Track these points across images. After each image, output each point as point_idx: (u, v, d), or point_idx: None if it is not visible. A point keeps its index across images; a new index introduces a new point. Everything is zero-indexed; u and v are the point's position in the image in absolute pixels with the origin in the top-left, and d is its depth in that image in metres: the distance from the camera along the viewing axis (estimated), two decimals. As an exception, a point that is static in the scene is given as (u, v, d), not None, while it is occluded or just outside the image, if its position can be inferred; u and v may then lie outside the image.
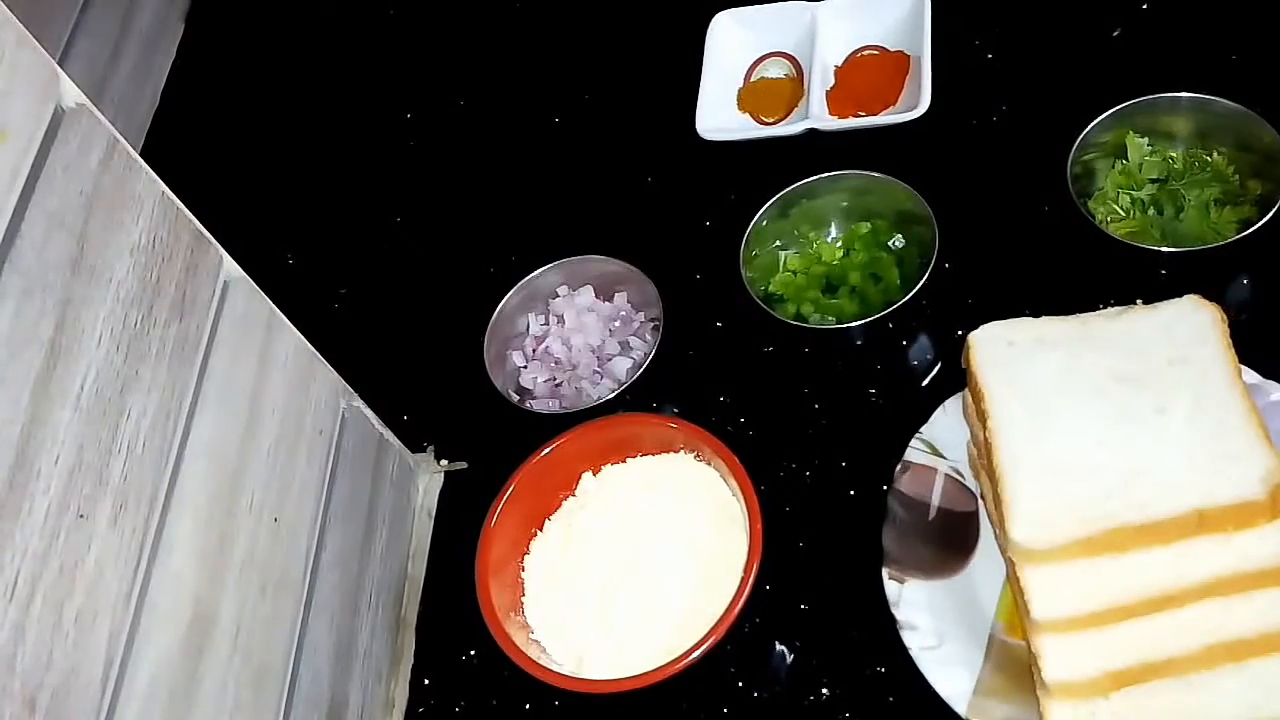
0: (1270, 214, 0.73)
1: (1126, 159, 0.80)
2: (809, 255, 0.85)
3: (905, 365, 0.80)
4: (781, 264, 0.85)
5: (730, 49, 0.97)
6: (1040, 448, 0.65)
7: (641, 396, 0.82)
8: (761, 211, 0.83)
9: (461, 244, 0.97)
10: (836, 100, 0.93)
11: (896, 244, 0.83)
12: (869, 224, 0.84)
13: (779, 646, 0.73)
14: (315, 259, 0.99)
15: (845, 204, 0.84)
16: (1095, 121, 0.79)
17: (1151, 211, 0.79)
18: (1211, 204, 0.77)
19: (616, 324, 0.87)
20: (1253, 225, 0.74)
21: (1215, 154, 0.79)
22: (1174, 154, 0.80)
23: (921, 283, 0.78)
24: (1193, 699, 0.60)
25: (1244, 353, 0.66)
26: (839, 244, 0.85)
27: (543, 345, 0.87)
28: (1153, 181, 0.79)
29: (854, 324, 0.78)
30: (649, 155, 0.96)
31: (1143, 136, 0.80)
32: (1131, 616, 0.61)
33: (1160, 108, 0.80)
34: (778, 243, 0.85)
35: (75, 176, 0.55)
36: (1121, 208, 0.79)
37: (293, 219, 1.03)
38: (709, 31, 0.97)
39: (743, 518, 0.72)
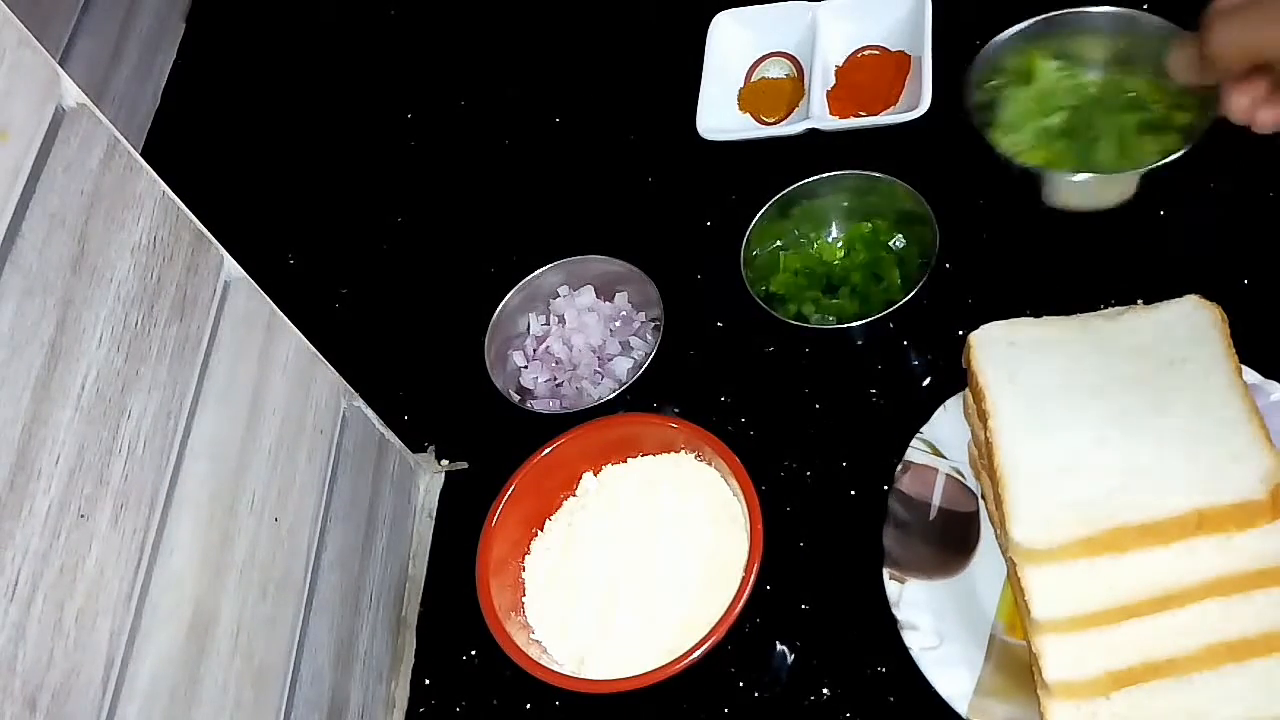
0: (1190, 143, 0.67)
1: (1034, 85, 0.75)
2: (810, 255, 0.85)
3: (906, 365, 0.80)
4: (782, 264, 0.85)
5: (730, 49, 0.97)
6: (1041, 448, 0.65)
7: (642, 396, 0.82)
8: (762, 211, 0.83)
9: (462, 244, 0.97)
10: (837, 100, 0.93)
11: (897, 244, 0.83)
12: (869, 224, 0.84)
13: (779, 646, 0.73)
14: (316, 259, 0.99)
15: (846, 204, 0.84)
16: (998, 41, 0.73)
17: (1063, 141, 0.73)
18: (1132, 133, 0.72)
19: (617, 324, 0.87)
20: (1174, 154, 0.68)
21: (1138, 78, 0.73)
22: (1090, 78, 0.74)
23: (922, 283, 0.78)
24: (1194, 699, 0.60)
25: (1244, 353, 0.66)
26: (840, 244, 0.85)
27: (543, 345, 0.87)
28: (1066, 109, 0.74)
29: (855, 324, 0.78)
30: (649, 155, 0.96)
31: (1055, 60, 0.74)
32: (1132, 616, 0.61)
33: (1074, 25, 0.73)
34: (778, 243, 0.85)
35: (76, 176, 0.55)
36: (1028, 137, 0.74)
37: (293, 219, 1.03)
38: (709, 31, 0.97)
39: (743, 518, 0.72)
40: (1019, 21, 0.75)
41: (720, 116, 0.94)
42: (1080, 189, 0.72)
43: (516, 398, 0.84)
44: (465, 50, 1.08)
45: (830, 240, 0.85)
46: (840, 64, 0.95)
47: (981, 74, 0.73)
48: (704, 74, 0.96)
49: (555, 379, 0.85)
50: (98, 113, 0.57)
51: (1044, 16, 0.72)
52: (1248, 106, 0.56)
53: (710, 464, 0.76)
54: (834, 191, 0.84)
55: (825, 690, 0.70)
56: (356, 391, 0.79)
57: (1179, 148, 0.69)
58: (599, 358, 0.85)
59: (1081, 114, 0.73)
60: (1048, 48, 0.74)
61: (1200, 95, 0.66)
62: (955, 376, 0.73)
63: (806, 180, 0.83)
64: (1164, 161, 0.67)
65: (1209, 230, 0.79)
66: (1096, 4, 0.72)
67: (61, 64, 0.56)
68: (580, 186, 0.97)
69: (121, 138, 0.58)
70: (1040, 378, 0.68)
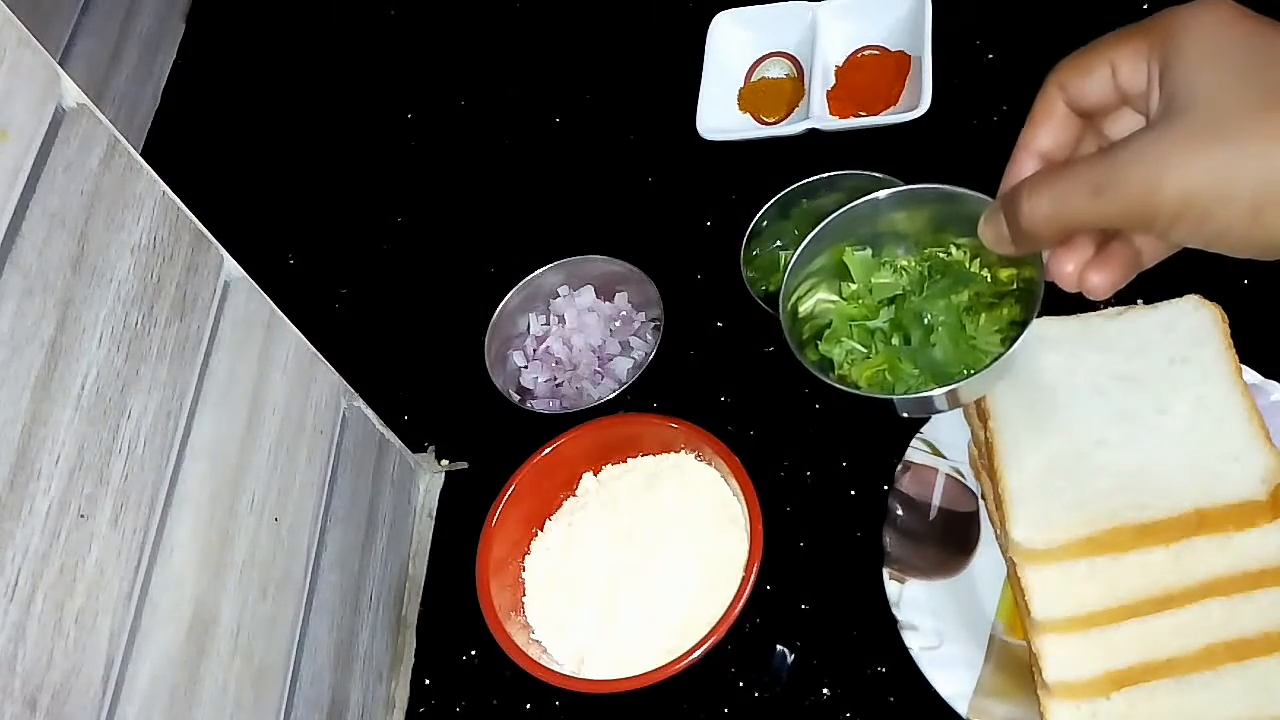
0: (1035, 307, 0.55)
1: (849, 284, 0.63)
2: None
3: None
4: (782, 264, 0.85)
5: (730, 49, 0.97)
6: (1041, 448, 0.65)
7: (642, 396, 0.82)
8: (762, 212, 0.83)
9: (462, 244, 0.97)
10: (837, 100, 0.93)
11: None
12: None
13: (779, 646, 0.73)
14: (316, 259, 0.99)
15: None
16: (800, 247, 0.61)
17: (896, 340, 0.61)
18: (963, 314, 0.60)
19: (617, 324, 0.87)
20: (1021, 323, 0.57)
21: (953, 248, 0.61)
22: (906, 261, 0.62)
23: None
24: (1194, 699, 0.60)
25: (1244, 353, 0.66)
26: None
27: (543, 345, 0.87)
28: (889, 303, 0.62)
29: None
30: (649, 155, 0.96)
31: (862, 248, 0.62)
32: (1132, 616, 0.61)
33: (878, 209, 0.61)
34: (778, 243, 0.85)
35: (76, 176, 0.55)
36: (859, 343, 0.62)
37: (293, 219, 1.03)
38: (709, 31, 0.97)
39: (743, 518, 0.72)
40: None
41: (720, 116, 0.94)
42: (940, 401, 0.61)
43: (516, 398, 0.84)
44: (465, 50, 1.08)
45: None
46: (840, 64, 0.95)
47: (791, 285, 0.62)
48: (704, 74, 0.96)
49: (555, 379, 0.85)
50: (98, 113, 0.57)
51: (839, 213, 0.62)
52: (1074, 274, 0.50)
53: (710, 464, 0.76)
54: (834, 191, 0.84)
55: (825, 690, 0.70)
56: (356, 391, 0.79)
57: (1020, 315, 0.58)
58: (599, 358, 0.85)
59: (905, 306, 0.62)
60: (855, 238, 0.63)
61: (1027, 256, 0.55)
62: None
63: (807, 180, 0.83)
64: (1013, 349, 0.57)
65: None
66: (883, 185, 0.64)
67: (61, 64, 0.56)
68: (580, 186, 0.97)
69: (121, 138, 0.58)
70: (1040, 378, 0.68)
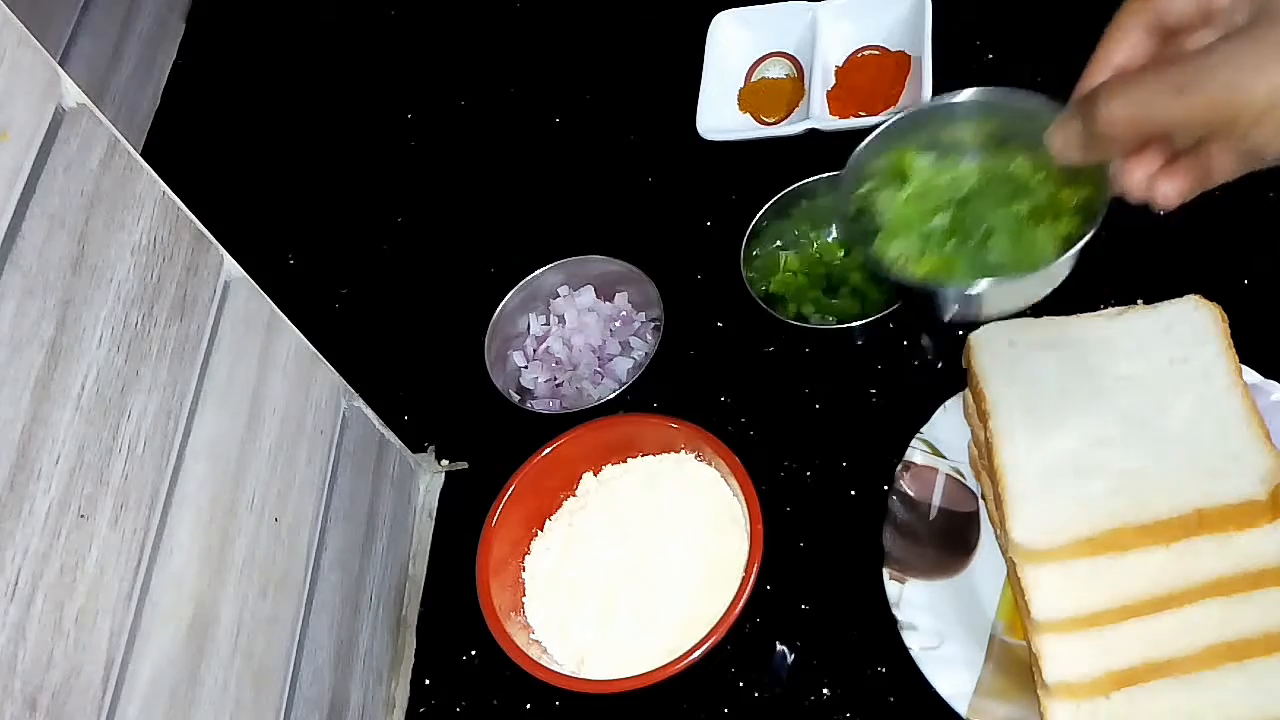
0: (1094, 225, 0.57)
1: (910, 185, 0.64)
2: (810, 255, 0.85)
3: (906, 365, 0.80)
4: (782, 264, 0.85)
5: (730, 49, 0.97)
6: (1041, 448, 0.65)
7: (642, 396, 0.82)
8: (762, 212, 0.83)
9: (462, 244, 0.97)
10: (837, 100, 0.93)
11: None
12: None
13: (779, 646, 0.73)
14: (316, 259, 0.99)
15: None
16: (865, 144, 0.64)
17: (952, 242, 0.63)
18: (1023, 222, 0.62)
19: (617, 324, 0.87)
20: (1076, 238, 0.58)
21: (1018, 161, 0.62)
22: (967, 168, 0.64)
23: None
24: (1194, 699, 0.60)
25: (1244, 353, 0.66)
26: (840, 244, 0.85)
27: (543, 345, 0.87)
28: (948, 206, 0.64)
29: (855, 324, 0.78)
30: (649, 155, 0.96)
31: (927, 153, 0.64)
32: (1132, 616, 0.61)
33: (943, 114, 0.63)
34: (778, 243, 0.85)
35: (76, 176, 0.55)
36: (914, 243, 0.63)
37: (293, 219, 1.03)
38: (709, 31, 0.97)
39: (743, 518, 0.72)
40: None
41: (720, 116, 0.94)
42: (989, 298, 0.62)
43: (516, 398, 0.84)
44: (465, 50, 1.08)
45: (830, 240, 0.85)
46: (840, 64, 0.95)
47: (852, 182, 0.64)
48: (704, 74, 0.96)
49: (555, 379, 0.85)
50: (98, 113, 0.57)
51: (908, 111, 0.64)
52: (1143, 181, 0.51)
53: (710, 464, 0.76)
54: (834, 191, 0.84)
55: (825, 690, 0.70)
56: (356, 391, 0.79)
57: (1078, 230, 0.59)
58: (599, 358, 0.85)
59: (966, 210, 0.63)
60: (918, 142, 0.64)
61: (1090, 171, 0.57)
62: (955, 376, 0.73)
63: (806, 180, 0.83)
64: (1073, 251, 0.58)
65: (1209, 230, 0.79)
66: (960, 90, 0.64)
67: (61, 64, 0.56)
68: (580, 186, 0.97)
69: (121, 138, 0.58)
70: (1040, 378, 0.68)
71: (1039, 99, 0.59)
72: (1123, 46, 0.51)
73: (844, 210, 0.65)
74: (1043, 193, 0.62)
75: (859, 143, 0.67)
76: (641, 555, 0.74)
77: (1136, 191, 0.51)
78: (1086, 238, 0.57)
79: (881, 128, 0.64)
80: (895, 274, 0.62)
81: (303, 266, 0.99)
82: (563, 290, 0.88)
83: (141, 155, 0.60)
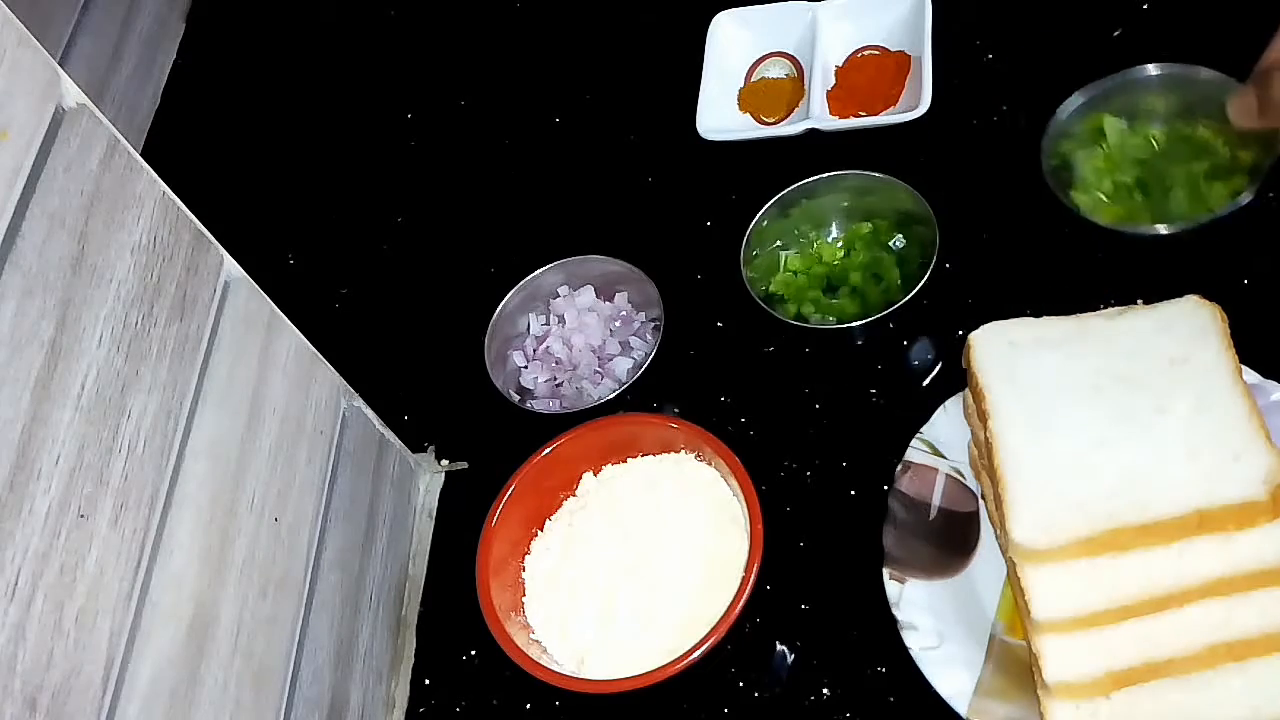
0: (1259, 181, 0.71)
1: (1105, 145, 0.78)
2: (810, 255, 0.85)
3: (906, 365, 0.80)
4: (782, 264, 0.85)
5: (730, 49, 0.97)
6: (1041, 448, 0.65)
7: (642, 396, 0.82)
8: (762, 212, 0.83)
9: (462, 244, 0.97)
10: (837, 100, 0.93)
11: (897, 244, 0.83)
12: (870, 224, 0.84)
13: (779, 646, 0.73)
14: (316, 259, 0.99)
15: (846, 204, 0.84)
16: (1067, 107, 0.77)
17: (1138, 195, 0.77)
18: (1201, 179, 0.75)
19: (617, 324, 0.87)
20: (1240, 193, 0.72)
21: (1200, 127, 0.76)
22: (1155, 132, 0.78)
23: (922, 283, 0.77)
24: (1194, 699, 0.60)
25: (1244, 352, 0.66)
26: (840, 244, 0.85)
27: (543, 345, 0.87)
28: (1137, 164, 0.77)
29: (855, 324, 0.78)
30: (649, 155, 0.96)
31: (1120, 117, 0.78)
32: (1132, 616, 0.61)
33: (1136, 85, 0.77)
34: (778, 243, 0.85)
35: (76, 176, 0.55)
36: (1105, 194, 0.77)
37: (293, 219, 1.03)
38: (709, 31, 0.97)
39: (743, 518, 0.72)
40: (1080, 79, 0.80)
41: (720, 116, 0.94)
42: None
43: (516, 398, 0.84)
44: (465, 50, 1.08)
45: (830, 240, 0.85)
46: (840, 64, 0.95)
47: (1053, 140, 0.78)
48: (704, 74, 0.96)
49: (555, 379, 0.85)
50: (98, 113, 0.57)
51: (1106, 80, 0.77)
52: None
53: (710, 464, 0.76)
54: (834, 191, 0.84)
55: (825, 690, 0.70)
56: (356, 391, 0.79)
57: (1246, 187, 0.73)
58: (599, 358, 0.85)
59: (1152, 168, 0.77)
60: (1112, 107, 0.78)
61: (1261, 136, 0.72)
62: (955, 376, 0.73)
63: (806, 180, 0.83)
64: (1239, 204, 0.72)
65: (1209, 231, 0.79)
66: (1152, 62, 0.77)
67: (61, 64, 0.56)
68: (580, 186, 0.97)
69: (121, 138, 0.58)
70: (1040, 378, 0.68)
71: (1220, 76, 0.73)
72: None
73: (1046, 163, 0.76)
74: (1221, 154, 0.75)
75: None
76: (641, 555, 0.74)
77: None
78: (1254, 188, 0.71)
79: (1080, 94, 0.77)
80: (1088, 218, 0.75)
81: (303, 266, 0.99)
82: (563, 290, 0.88)
83: (141, 155, 0.60)
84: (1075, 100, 0.78)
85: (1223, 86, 0.73)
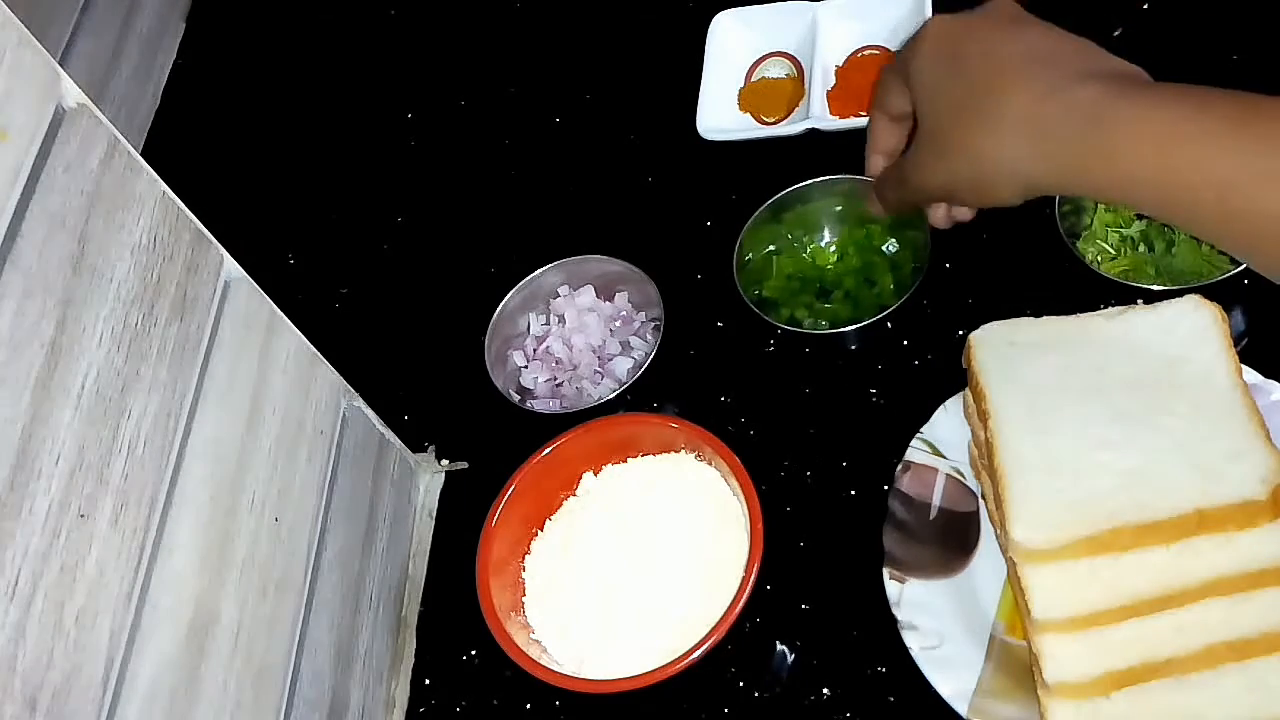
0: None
1: None
2: (803, 260, 0.85)
3: (906, 366, 0.80)
4: (775, 268, 0.85)
5: (731, 49, 0.97)
6: (1041, 447, 0.65)
7: (642, 396, 0.82)
8: (755, 215, 0.83)
9: (462, 244, 0.97)
10: (837, 100, 0.93)
11: (890, 248, 0.83)
12: (863, 229, 0.84)
13: (779, 646, 0.73)
14: (316, 259, 0.99)
15: (839, 208, 0.84)
16: None
17: (1142, 248, 0.77)
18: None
19: (617, 324, 0.87)
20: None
21: None
22: None
23: (914, 288, 0.77)
24: (1194, 699, 0.60)
25: (1244, 353, 0.66)
26: (832, 248, 0.85)
27: (543, 345, 0.87)
28: (1140, 217, 0.77)
29: (847, 329, 0.78)
30: (649, 155, 0.96)
31: None
32: (1133, 616, 0.61)
33: None
34: (771, 247, 0.85)
35: (76, 176, 0.55)
36: (1111, 246, 0.77)
37: (293, 219, 1.03)
38: (709, 31, 0.97)
39: (743, 518, 0.72)
40: None
41: (720, 116, 0.94)
42: None
43: (516, 398, 0.84)
44: (465, 50, 1.08)
45: (823, 245, 0.85)
46: (840, 64, 0.95)
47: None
48: (704, 74, 0.96)
49: (555, 379, 0.85)
50: (98, 113, 0.57)
51: None
52: (942, 215, 0.69)
53: (710, 464, 0.76)
54: (827, 196, 0.84)
55: (825, 690, 0.70)
56: (356, 391, 0.79)
57: None
58: (599, 358, 0.85)
59: (1156, 222, 0.77)
60: None
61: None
62: (955, 376, 0.73)
63: (799, 185, 0.83)
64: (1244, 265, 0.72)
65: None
66: None
67: (61, 64, 0.56)
68: (580, 186, 0.97)
69: (121, 138, 0.58)
70: (1040, 378, 0.68)
71: None
72: (882, 136, 0.69)
73: (1057, 208, 0.77)
74: None
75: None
76: (641, 555, 0.74)
77: (942, 222, 0.69)
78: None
79: None
80: (1094, 268, 0.76)
81: (303, 266, 0.99)
82: (563, 290, 0.88)
83: (141, 155, 0.60)
84: None
85: None
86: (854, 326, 0.78)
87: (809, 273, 0.84)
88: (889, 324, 0.78)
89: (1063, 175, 0.56)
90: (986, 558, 0.70)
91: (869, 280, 0.82)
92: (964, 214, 0.68)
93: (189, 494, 0.60)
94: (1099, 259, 0.77)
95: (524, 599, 0.75)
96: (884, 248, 0.83)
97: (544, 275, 0.87)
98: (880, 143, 0.69)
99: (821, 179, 0.83)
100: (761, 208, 0.83)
